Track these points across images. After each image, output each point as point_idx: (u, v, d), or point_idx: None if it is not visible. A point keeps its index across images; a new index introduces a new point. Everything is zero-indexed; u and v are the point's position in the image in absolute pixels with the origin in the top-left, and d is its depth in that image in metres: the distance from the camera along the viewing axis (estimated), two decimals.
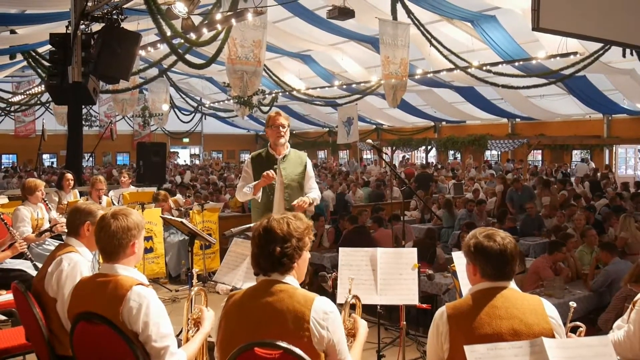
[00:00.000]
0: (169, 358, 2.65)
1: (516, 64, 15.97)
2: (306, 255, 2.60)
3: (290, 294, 2.44)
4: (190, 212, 8.35)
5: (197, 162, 36.31)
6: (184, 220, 5.06)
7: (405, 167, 24.93)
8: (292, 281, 2.52)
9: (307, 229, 2.56)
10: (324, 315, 2.39)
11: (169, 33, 9.13)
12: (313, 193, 5.01)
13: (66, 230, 5.88)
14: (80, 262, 3.31)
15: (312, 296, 2.43)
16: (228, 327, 2.52)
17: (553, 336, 2.39)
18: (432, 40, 13.95)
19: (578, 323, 2.91)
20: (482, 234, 2.64)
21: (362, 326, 2.79)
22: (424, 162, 30.05)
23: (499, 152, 28.53)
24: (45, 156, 31.92)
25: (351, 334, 2.75)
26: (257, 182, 4.92)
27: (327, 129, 35.30)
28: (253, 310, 2.46)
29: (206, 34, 9.79)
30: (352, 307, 2.96)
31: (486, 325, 2.43)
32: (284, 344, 2.31)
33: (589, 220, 9.42)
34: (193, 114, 31.48)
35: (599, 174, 19.08)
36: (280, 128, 4.97)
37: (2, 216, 5.76)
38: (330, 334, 2.39)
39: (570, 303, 2.91)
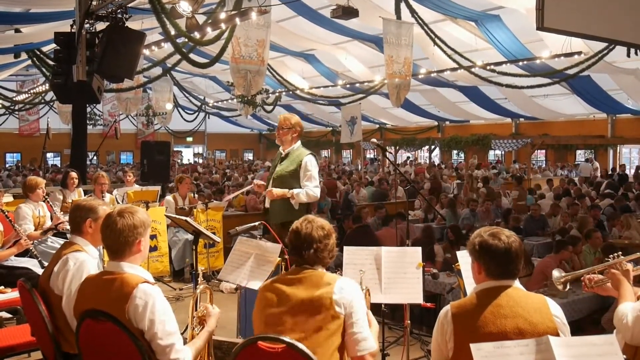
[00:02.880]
0: (175, 355, 2.66)
1: (520, 63, 15.94)
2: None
3: (320, 273, 2.82)
4: (195, 210, 8.36)
5: (200, 160, 36.34)
6: (188, 219, 5.07)
7: (416, 167, 25.25)
8: (321, 269, 2.88)
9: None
10: (347, 285, 2.76)
11: (173, 32, 9.12)
12: (299, 190, 5.29)
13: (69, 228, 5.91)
14: (86, 260, 3.30)
15: (339, 275, 2.85)
16: (261, 302, 2.81)
17: (557, 335, 2.40)
18: (436, 39, 13.93)
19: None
20: (487, 232, 2.64)
21: (374, 320, 2.99)
22: (427, 161, 30.08)
23: (503, 152, 28.49)
24: (49, 155, 31.96)
25: None
26: None
27: (331, 129, 35.30)
28: (285, 282, 2.80)
29: (210, 33, 9.80)
30: None
31: (491, 324, 2.44)
32: (286, 339, 2.41)
33: (594, 219, 9.43)
34: (197, 113, 31.51)
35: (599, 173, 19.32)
36: (279, 130, 5.51)
37: (7, 214, 5.80)
38: (351, 299, 2.71)
39: None
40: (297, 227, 2.87)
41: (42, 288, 3.33)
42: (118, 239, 2.80)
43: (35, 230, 6.26)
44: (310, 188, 5.31)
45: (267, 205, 5.54)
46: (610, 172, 19.60)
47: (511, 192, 14.44)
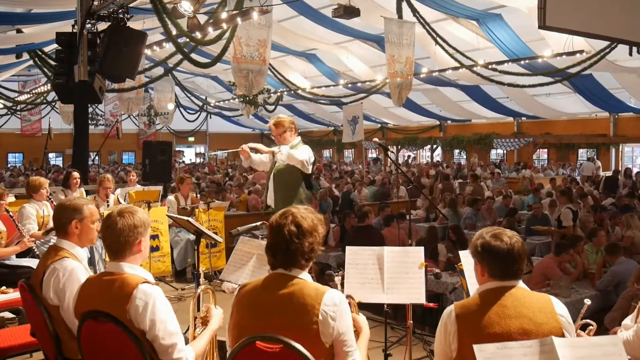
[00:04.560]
0: (177, 355, 2.65)
1: (522, 62, 15.90)
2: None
3: (302, 286, 2.50)
4: (196, 210, 8.36)
5: (202, 160, 36.38)
6: (190, 219, 5.07)
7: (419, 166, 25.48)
8: (305, 276, 2.58)
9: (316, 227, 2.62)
10: (333, 307, 2.45)
11: (174, 32, 9.13)
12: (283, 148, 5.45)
13: None
14: (75, 268, 3.18)
15: (324, 290, 2.50)
16: (239, 315, 2.58)
17: (563, 335, 2.38)
18: (438, 38, 13.92)
19: (589, 321, 2.90)
20: (489, 233, 2.62)
21: (363, 322, 2.83)
22: (430, 160, 30.06)
23: (505, 151, 28.46)
24: (51, 155, 32.02)
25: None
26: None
27: (332, 128, 35.28)
28: (265, 300, 2.51)
29: (211, 32, 9.79)
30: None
31: (495, 324, 2.42)
32: (284, 339, 2.37)
33: (602, 221, 9.37)
34: (198, 113, 31.53)
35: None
36: (277, 135, 5.61)
37: (11, 214, 5.80)
38: (338, 326, 2.44)
39: (585, 301, 2.91)
40: (272, 222, 2.62)
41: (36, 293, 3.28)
42: (118, 239, 2.78)
43: (39, 230, 6.26)
44: (294, 152, 5.41)
45: (268, 202, 5.63)
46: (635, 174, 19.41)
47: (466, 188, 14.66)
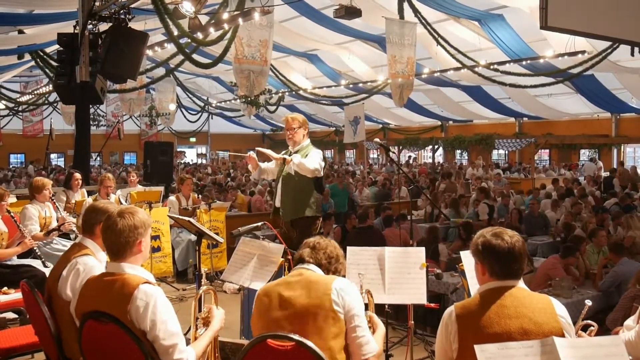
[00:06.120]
0: (178, 355, 2.65)
1: (524, 62, 15.88)
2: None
3: (318, 274, 2.91)
4: (198, 211, 8.36)
5: (203, 161, 36.39)
6: (191, 220, 5.07)
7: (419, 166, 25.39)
8: (319, 271, 2.97)
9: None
10: (345, 286, 2.79)
11: (176, 32, 9.13)
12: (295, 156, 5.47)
13: (74, 229, 5.92)
14: (95, 267, 3.24)
15: (335, 277, 2.91)
16: (260, 304, 2.85)
17: (563, 335, 2.38)
18: (439, 39, 13.89)
19: (590, 322, 2.90)
20: (489, 232, 2.62)
21: (379, 320, 3.08)
22: (431, 161, 30.06)
23: (507, 152, 28.43)
24: (52, 155, 32.04)
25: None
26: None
27: (334, 129, 35.26)
28: (284, 284, 2.85)
29: (213, 33, 9.79)
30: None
31: (495, 324, 2.42)
32: (295, 337, 2.44)
33: (603, 222, 9.34)
34: (200, 114, 31.53)
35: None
36: (287, 131, 5.65)
37: (13, 215, 5.81)
38: (350, 300, 2.74)
39: (586, 301, 2.91)
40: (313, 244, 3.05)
41: (49, 290, 3.30)
42: (119, 240, 2.79)
43: (41, 231, 6.27)
44: (305, 162, 5.42)
45: (277, 204, 5.61)
46: None
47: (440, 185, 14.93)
